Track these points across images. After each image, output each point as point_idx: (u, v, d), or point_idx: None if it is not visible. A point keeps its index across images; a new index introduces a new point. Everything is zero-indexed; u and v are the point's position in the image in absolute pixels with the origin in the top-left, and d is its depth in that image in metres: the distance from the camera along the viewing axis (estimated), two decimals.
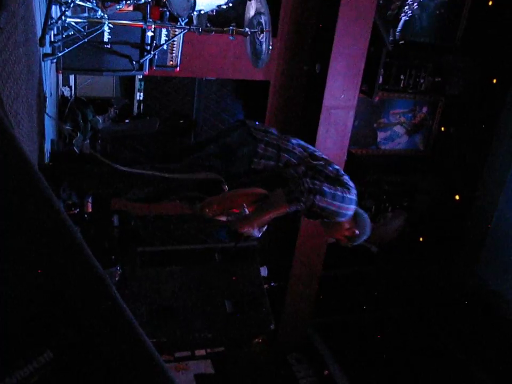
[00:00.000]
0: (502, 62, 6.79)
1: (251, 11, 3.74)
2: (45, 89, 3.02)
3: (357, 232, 2.98)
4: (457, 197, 7.53)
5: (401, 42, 6.50)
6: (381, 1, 6.31)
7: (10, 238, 0.90)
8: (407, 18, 6.47)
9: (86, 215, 5.10)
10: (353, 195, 2.85)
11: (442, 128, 7.55)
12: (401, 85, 6.77)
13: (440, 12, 6.73)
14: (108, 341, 0.93)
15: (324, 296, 7.53)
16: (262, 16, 3.60)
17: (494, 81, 6.91)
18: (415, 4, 6.30)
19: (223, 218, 2.90)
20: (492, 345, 7.00)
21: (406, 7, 6.35)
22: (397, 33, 6.48)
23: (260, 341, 7.05)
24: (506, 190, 7.00)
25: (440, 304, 7.78)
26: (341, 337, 7.68)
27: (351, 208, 2.85)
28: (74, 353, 0.90)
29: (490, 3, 6.74)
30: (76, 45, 3.71)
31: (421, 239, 8.00)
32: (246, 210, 2.77)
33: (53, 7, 3.40)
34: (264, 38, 3.64)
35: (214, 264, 5.21)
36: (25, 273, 0.89)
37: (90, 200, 5.28)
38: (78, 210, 5.03)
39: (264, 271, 5.94)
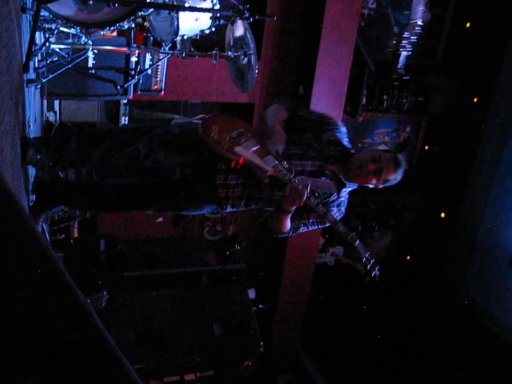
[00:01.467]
0: (482, 81, 6.90)
1: (235, 33, 3.77)
2: (29, 115, 3.03)
3: (387, 156, 2.77)
4: (442, 215, 7.58)
5: (405, 78, 6.59)
6: (362, 24, 6.41)
7: None
8: (407, 54, 6.55)
9: (72, 240, 5.08)
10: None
11: (426, 147, 7.63)
12: (385, 105, 6.85)
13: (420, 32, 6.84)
14: (91, 370, 0.93)
15: (313, 316, 7.52)
16: (246, 40, 3.64)
17: (475, 100, 7.01)
18: (413, 37, 6.39)
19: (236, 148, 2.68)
20: (479, 359, 7.02)
21: (405, 41, 6.44)
22: (399, 70, 6.57)
23: (250, 363, 7.00)
24: (491, 206, 7.06)
25: (428, 321, 7.78)
26: (331, 358, 7.65)
27: (338, 119, 2.96)
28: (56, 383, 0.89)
29: (468, 25, 6.87)
30: (60, 71, 3.73)
31: (407, 258, 8.02)
32: (241, 130, 2.74)
33: (37, 33, 3.42)
34: (250, 61, 3.67)
35: (202, 287, 5.18)
36: (5, 303, 0.88)
37: (76, 225, 5.26)
38: (63, 235, 5.02)
39: (252, 294, 5.91)
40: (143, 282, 5.10)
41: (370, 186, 2.83)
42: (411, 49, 6.51)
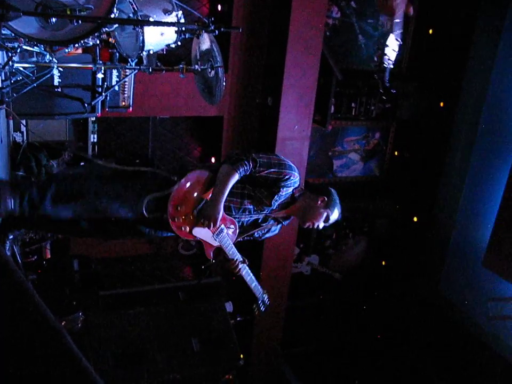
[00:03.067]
0: (447, 85, 7.03)
1: (201, 47, 3.77)
2: None
3: (329, 211, 3.18)
4: (415, 219, 7.65)
5: (392, 90, 6.69)
6: (327, 33, 6.48)
7: None
8: (391, 67, 6.67)
9: (44, 262, 5.00)
10: (291, 164, 3.18)
11: (396, 153, 7.71)
12: (353, 113, 6.91)
13: (384, 40, 6.94)
14: None
15: (292, 327, 7.50)
16: (213, 53, 3.64)
17: (441, 104, 7.12)
18: (396, 51, 6.51)
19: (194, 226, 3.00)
20: (458, 360, 7.09)
21: (386, 56, 6.55)
22: (386, 83, 6.69)
23: (231, 377, 6.95)
24: (462, 208, 7.16)
25: (406, 325, 7.83)
26: (312, 367, 7.63)
27: (293, 169, 3.16)
28: None
29: (430, 31, 6.99)
30: (25, 90, 3.68)
31: (383, 263, 8.07)
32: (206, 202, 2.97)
33: None
34: (217, 73, 3.67)
35: (179, 303, 5.14)
36: None
37: (48, 246, 5.18)
38: (36, 257, 4.94)
39: (229, 307, 5.88)
40: (119, 301, 5.03)
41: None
42: (394, 62, 6.66)
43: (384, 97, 6.76)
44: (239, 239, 3.21)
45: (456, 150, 7.16)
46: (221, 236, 3.02)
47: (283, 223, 3.37)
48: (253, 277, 3.30)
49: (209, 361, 4.74)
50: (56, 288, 4.68)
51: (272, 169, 3.05)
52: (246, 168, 2.97)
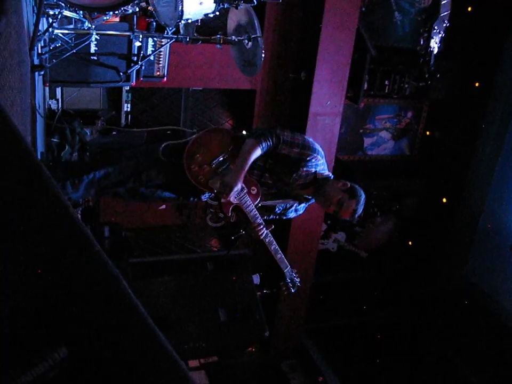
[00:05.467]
0: (483, 65, 6.89)
1: (239, 17, 3.75)
2: (35, 100, 3.02)
3: (350, 202, 3.16)
4: (444, 200, 7.59)
5: (438, 76, 6.63)
6: (363, 9, 6.38)
7: (20, 234, 0.89)
8: (437, 52, 6.58)
9: None
10: (315, 147, 3.20)
11: (428, 132, 7.62)
12: (386, 91, 6.83)
13: (421, 17, 6.81)
14: (123, 337, 0.93)
15: (316, 302, 7.54)
16: (252, 23, 3.62)
17: (477, 84, 7.00)
18: (442, 32, 6.37)
19: (212, 187, 3.06)
20: (480, 342, 7.06)
21: (433, 39, 6.44)
22: (431, 68, 6.61)
23: (254, 349, 7.04)
24: (492, 191, 7.07)
25: (430, 307, 7.81)
26: (334, 343, 7.68)
27: (317, 152, 3.18)
28: (89, 350, 0.90)
29: (469, 9, 6.84)
30: (63, 56, 3.72)
31: (410, 243, 8.04)
32: (224, 156, 3.05)
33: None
34: (256, 44, 3.66)
35: (206, 273, 5.19)
36: (38, 269, 0.89)
37: (79, 212, 5.27)
38: None
39: (256, 279, 5.93)
40: (148, 269, 5.10)
41: None
42: (440, 45, 6.54)
43: (429, 82, 6.68)
44: (264, 217, 3.22)
45: (489, 131, 7.05)
46: (241, 194, 3.04)
47: (306, 204, 3.43)
48: (278, 247, 3.29)
49: (235, 332, 4.80)
50: None
51: (295, 149, 3.12)
52: (268, 143, 3.04)
